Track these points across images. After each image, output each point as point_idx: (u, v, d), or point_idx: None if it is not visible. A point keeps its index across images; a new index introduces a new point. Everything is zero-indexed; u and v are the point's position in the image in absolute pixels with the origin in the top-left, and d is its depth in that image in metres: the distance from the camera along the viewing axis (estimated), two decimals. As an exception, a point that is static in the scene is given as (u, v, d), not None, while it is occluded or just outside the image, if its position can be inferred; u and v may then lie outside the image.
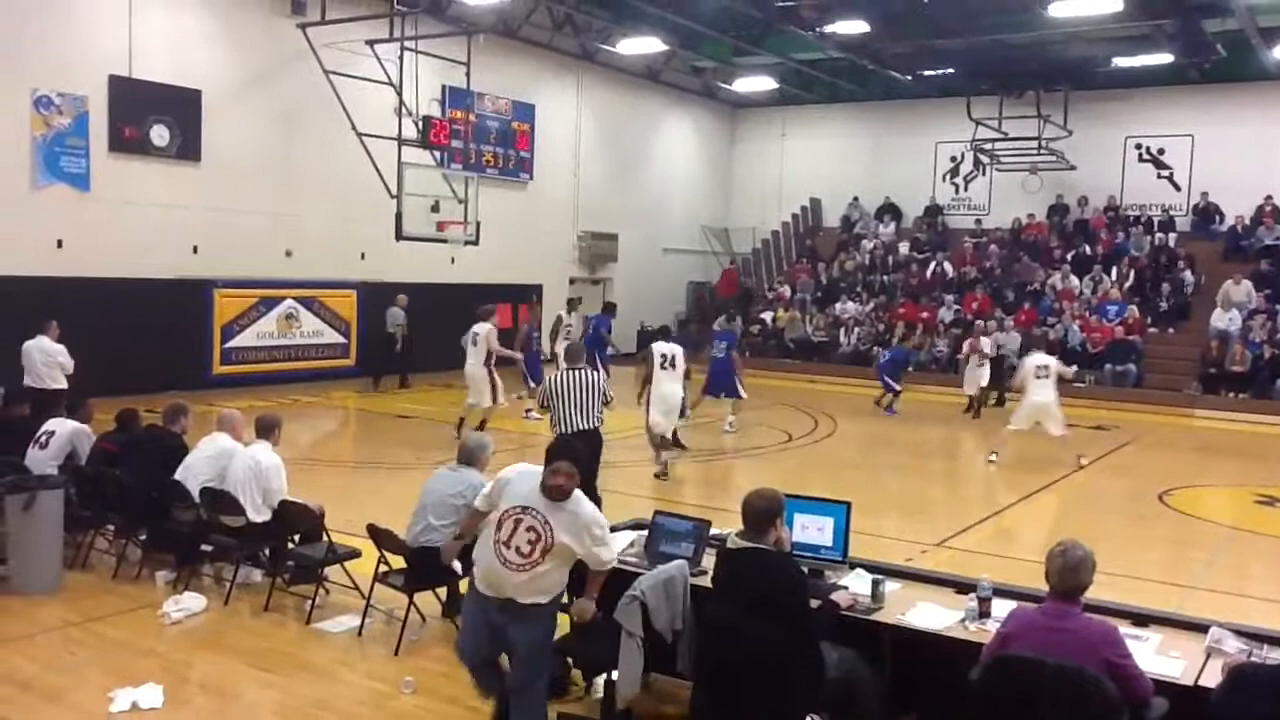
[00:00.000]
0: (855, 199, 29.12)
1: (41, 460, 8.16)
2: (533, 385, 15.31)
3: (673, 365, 12.10)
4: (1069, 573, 4.14)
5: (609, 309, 18.38)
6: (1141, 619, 4.92)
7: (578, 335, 17.89)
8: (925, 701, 4.93)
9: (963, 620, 4.87)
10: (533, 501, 4.87)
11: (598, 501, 8.99)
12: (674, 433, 12.87)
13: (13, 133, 15.41)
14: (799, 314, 25.79)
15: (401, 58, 16.84)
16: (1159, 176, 25.50)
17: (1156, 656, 4.46)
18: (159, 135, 17.09)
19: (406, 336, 18.91)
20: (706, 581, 5.14)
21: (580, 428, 8.76)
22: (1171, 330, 22.32)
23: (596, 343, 16.80)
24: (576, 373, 8.96)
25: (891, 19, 20.67)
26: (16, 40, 15.34)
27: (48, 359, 11.83)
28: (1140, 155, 25.65)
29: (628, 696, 4.99)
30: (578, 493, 4.94)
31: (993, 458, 13.65)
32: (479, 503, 5.34)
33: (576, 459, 4.94)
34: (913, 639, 4.86)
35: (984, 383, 18.61)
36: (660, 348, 12.24)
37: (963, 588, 5.28)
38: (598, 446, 9.01)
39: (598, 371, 9.42)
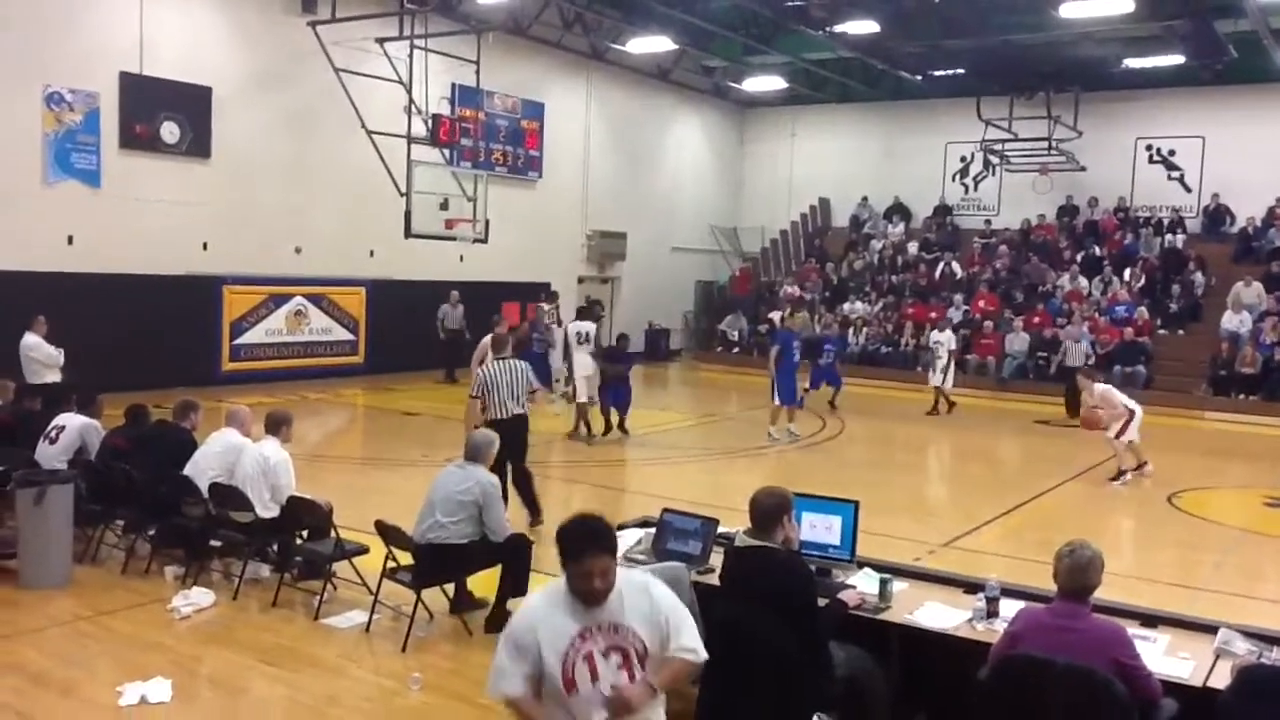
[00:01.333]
0: (864, 199, 29.07)
1: (51, 455, 8.19)
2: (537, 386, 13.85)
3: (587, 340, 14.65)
4: (1078, 572, 4.14)
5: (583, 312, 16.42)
6: (1150, 620, 4.92)
7: (556, 328, 18.39)
8: (933, 701, 4.92)
9: (970, 620, 4.87)
10: (584, 621, 3.65)
11: (527, 478, 9.20)
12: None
13: (25, 129, 15.46)
14: (807, 314, 25.75)
15: (411, 56, 16.85)
16: (1170, 178, 25.42)
17: (1165, 657, 4.45)
18: (169, 132, 17.13)
19: (458, 330, 19.28)
20: (714, 579, 5.14)
21: (513, 412, 9.25)
22: (1181, 332, 22.24)
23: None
24: (505, 362, 9.43)
25: (902, 19, 20.62)
26: (29, 37, 15.39)
27: (29, 353, 12.00)
28: (1151, 156, 25.57)
29: None
30: (624, 573, 3.82)
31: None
32: (511, 679, 3.65)
33: (597, 537, 3.68)
34: (921, 638, 4.86)
35: (939, 381, 18.33)
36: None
37: (970, 587, 5.28)
38: (524, 429, 9.44)
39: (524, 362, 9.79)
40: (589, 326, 15.07)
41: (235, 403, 9.12)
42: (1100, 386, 13.06)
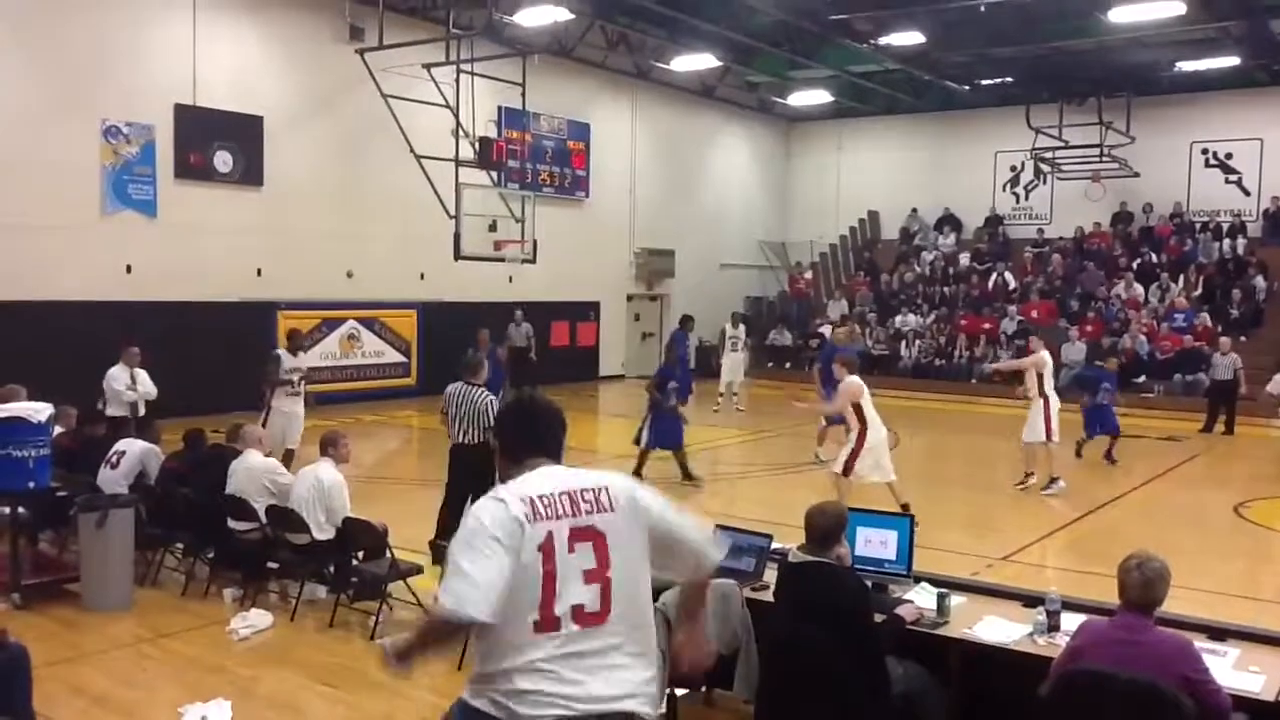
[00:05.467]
0: (914, 210, 28.87)
1: (113, 480, 8.33)
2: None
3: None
4: (1149, 586, 4.02)
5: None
6: (1219, 633, 4.78)
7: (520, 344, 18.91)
8: (991, 717, 4.83)
9: (1031, 634, 4.77)
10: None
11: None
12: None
13: (84, 162, 15.84)
14: (858, 327, 25.58)
15: (458, 80, 17.02)
16: (1227, 181, 24.97)
17: (1235, 671, 4.33)
18: (223, 161, 17.46)
19: (525, 349, 19.42)
20: (767, 596, 5.10)
21: (470, 440, 8.61)
22: (1244, 338, 21.75)
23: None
24: (468, 388, 8.81)
25: (947, 29, 20.49)
26: (86, 73, 15.78)
27: (109, 384, 11.92)
28: (1207, 160, 25.14)
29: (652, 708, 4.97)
30: None
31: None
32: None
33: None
34: (980, 654, 4.77)
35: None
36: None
37: (1030, 601, 5.17)
38: (484, 459, 7.97)
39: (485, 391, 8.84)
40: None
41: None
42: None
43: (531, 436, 3.14)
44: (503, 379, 14.36)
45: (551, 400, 3.30)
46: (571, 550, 2.86)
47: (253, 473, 7.80)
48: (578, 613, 2.83)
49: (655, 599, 4.92)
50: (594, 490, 2.96)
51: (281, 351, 12.36)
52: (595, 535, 2.90)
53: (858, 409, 10.19)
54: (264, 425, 10.77)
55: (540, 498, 2.89)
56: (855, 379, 10.42)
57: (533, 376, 18.66)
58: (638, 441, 12.41)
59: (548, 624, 2.81)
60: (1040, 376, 12.06)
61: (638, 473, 12.17)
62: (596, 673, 2.82)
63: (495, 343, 15.33)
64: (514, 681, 2.81)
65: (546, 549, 2.83)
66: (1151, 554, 4.12)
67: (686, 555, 3.14)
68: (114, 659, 6.60)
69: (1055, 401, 12.02)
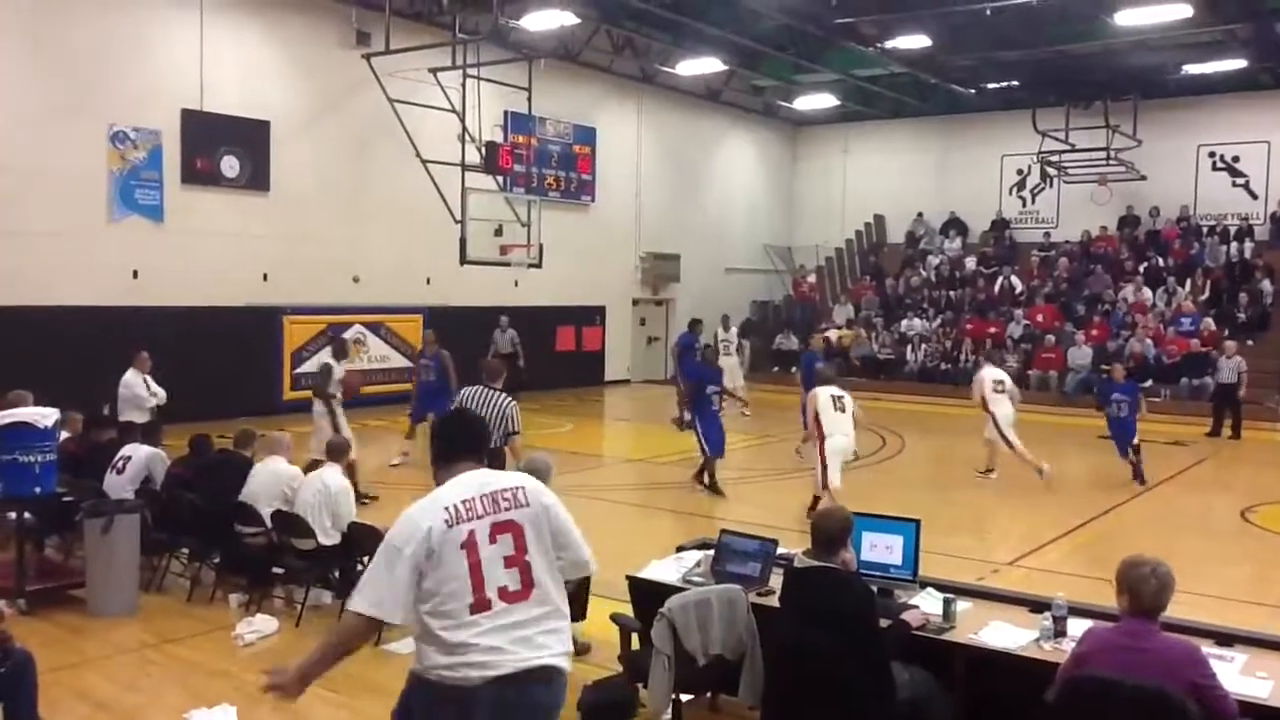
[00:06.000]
0: (919, 214, 28.85)
1: (118, 485, 8.34)
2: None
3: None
4: (1164, 591, 3.97)
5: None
6: (1226, 638, 4.76)
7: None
8: (999, 723, 4.81)
9: (1037, 640, 4.75)
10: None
11: None
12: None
13: (90, 168, 15.89)
14: (864, 331, 25.57)
15: (464, 85, 17.06)
16: (1234, 185, 24.92)
17: (1242, 677, 4.31)
18: (229, 166, 17.50)
19: (511, 355, 18.85)
20: (773, 601, 5.08)
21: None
22: (1250, 342, 21.69)
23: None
24: (487, 391, 8.68)
25: (953, 32, 20.47)
26: (94, 78, 15.83)
27: (121, 390, 11.98)
28: (1214, 164, 25.09)
29: (657, 713, 5.05)
30: None
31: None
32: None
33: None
34: (985, 659, 4.75)
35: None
36: None
37: (1037, 606, 5.15)
38: (497, 464, 8.37)
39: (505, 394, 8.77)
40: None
41: (296, 431, 9.23)
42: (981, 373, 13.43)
43: (460, 442, 3.72)
44: (448, 384, 13.58)
45: (477, 413, 3.93)
46: (493, 541, 3.44)
47: (278, 478, 7.80)
48: (503, 592, 3.41)
49: (660, 605, 4.95)
50: (511, 490, 3.55)
51: (333, 362, 12.37)
52: (514, 527, 3.48)
53: (816, 420, 10.48)
54: (336, 431, 10.77)
55: (462, 503, 3.45)
56: (816, 390, 10.70)
57: (523, 382, 18.25)
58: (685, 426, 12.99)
59: (480, 605, 3.38)
60: (983, 398, 12.98)
61: (713, 485, 12.22)
62: (524, 639, 3.41)
63: (441, 344, 14.66)
64: (462, 655, 3.36)
65: (469, 545, 3.40)
66: (1157, 558, 4.08)
67: (573, 552, 3.66)
68: (118, 664, 6.61)
69: (1002, 412, 12.82)
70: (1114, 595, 4.06)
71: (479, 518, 3.45)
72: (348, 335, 19.18)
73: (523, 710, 3.40)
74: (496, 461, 8.27)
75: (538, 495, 3.62)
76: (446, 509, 3.42)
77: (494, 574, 3.41)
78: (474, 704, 3.34)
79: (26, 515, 7.69)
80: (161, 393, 12.00)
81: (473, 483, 3.54)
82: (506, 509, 3.50)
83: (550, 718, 3.53)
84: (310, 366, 12.33)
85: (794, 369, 25.23)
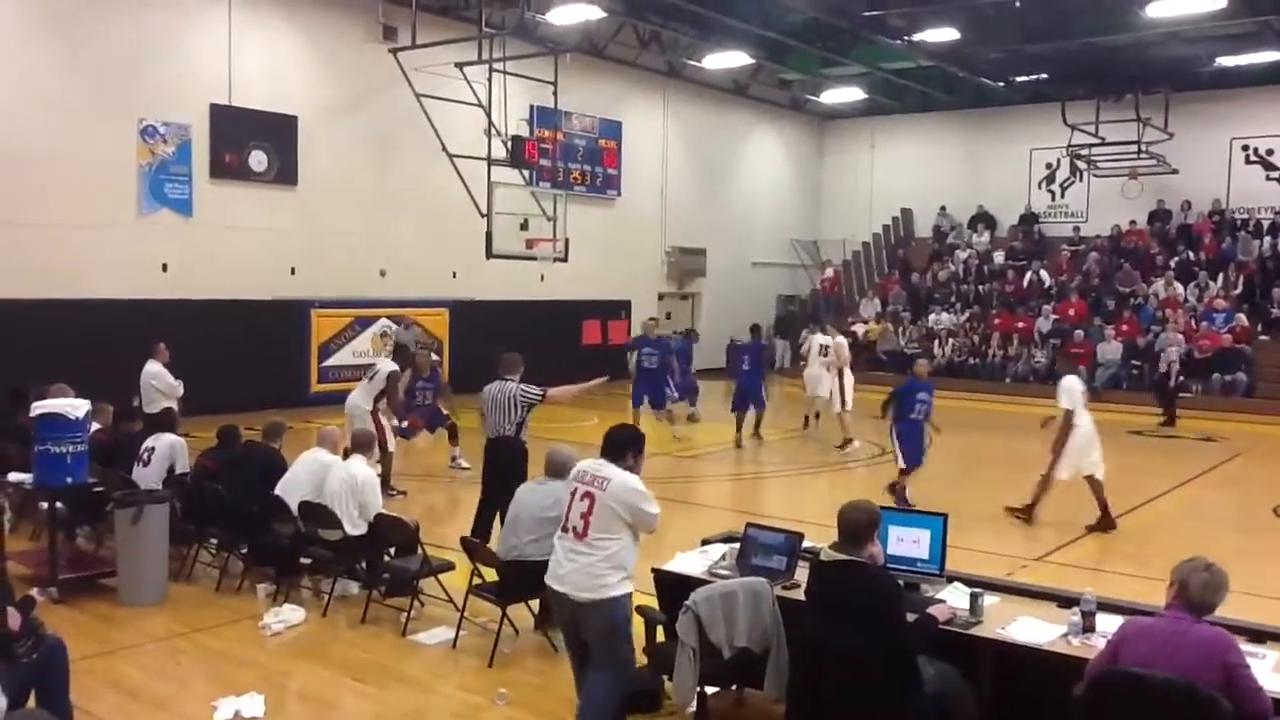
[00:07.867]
0: (942, 208, 28.67)
1: (145, 476, 8.41)
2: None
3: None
4: (1216, 590, 3.98)
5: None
6: (1259, 635, 4.71)
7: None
8: (1024, 719, 4.77)
9: (1065, 635, 4.71)
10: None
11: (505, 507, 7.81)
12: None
13: (121, 162, 16.02)
14: (890, 326, 25.45)
15: (490, 79, 17.05)
16: (1268, 178, 24.60)
17: (1275, 674, 4.25)
18: (257, 161, 17.61)
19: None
20: (799, 595, 5.06)
21: (502, 433, 8.57)
22: (1283, 337, 21.47)
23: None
24: (503, 384, 8.82)
25: (981, 25, 20.31)
26: (124, 73, 15.97)
27: (149, 381, 12.11)
28: (1247, 157, 24.78)
29: (682, 705, 5.06)
30: None
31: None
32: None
33: None
34: (1013, 654, 4.71)
35: (819, 390, 15.82)
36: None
37: (1065, 602, 5.11)
38: (511, 454, 8.53)
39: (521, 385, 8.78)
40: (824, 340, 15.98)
41: (324, 423, 9.27)
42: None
43: (605, 446, 5.32)
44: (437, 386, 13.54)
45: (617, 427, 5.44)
46: (582, 500, 5.17)
47: (323, 468, 7.80)
48: (573, 530, 5.16)
49: (685, 597, 4.94)
50: (602, 478, 5.16)
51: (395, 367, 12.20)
52: (590, 497, 5.14)
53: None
54: (378, 430, 10.73)
55: (578, 474, 5.31)
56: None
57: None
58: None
59: (563, 531, 5.24)
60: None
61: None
62: (570, 562, 5.15)
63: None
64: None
65: (569, 496, 5.25)
66: (1210, 559, 4.08)
67: (642, 524, 5.19)
68: (148, 653, 6.67)
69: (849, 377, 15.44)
70: (1146, 591, 4.03)
71: (581, 484, 5.22)
72: (375, 328, 19.30)
73: None
74: (509, 448, 8.47)
75: (617, 485, 5.13)
76: (575, 474, 5.35)
77: (573, 517, 5.18)
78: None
79: (58, 505, 7.77)
80: (179, 385, 12.10)
81: (593, 465, 5.26)
82: (590, 485, 5.17)
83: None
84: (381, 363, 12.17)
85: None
